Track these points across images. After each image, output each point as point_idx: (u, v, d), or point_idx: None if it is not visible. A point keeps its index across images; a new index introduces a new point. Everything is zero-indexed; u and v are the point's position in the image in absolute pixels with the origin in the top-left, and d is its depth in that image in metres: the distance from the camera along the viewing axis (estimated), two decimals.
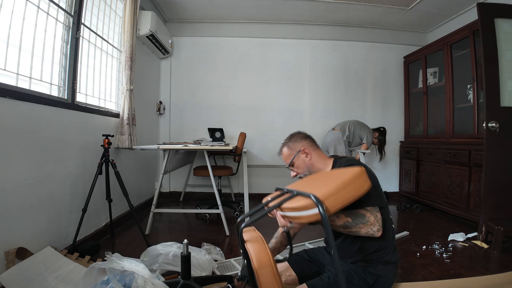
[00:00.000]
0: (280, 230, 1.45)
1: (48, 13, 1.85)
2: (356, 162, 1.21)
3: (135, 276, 1.23)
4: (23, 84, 1.67)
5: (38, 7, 1.77)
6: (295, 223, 0.98)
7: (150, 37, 3.22)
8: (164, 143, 3.29)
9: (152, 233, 2.55)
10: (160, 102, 3.96)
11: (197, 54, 4.06)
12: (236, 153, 3.20)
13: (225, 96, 4.07)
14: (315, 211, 0.84)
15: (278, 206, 0.96)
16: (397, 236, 2.48)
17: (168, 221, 3.02)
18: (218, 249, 2.05)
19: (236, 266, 1.89)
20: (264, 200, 1.05)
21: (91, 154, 2.24)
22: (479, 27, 2.40)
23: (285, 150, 1.43)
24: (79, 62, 2.15)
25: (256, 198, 3.98)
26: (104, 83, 2.62)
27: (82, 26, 2.17)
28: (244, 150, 3.13)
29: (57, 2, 1.91)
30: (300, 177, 1.40)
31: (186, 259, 1.38)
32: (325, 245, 1.51)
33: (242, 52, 4.09)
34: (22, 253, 1.52)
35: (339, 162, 1.30)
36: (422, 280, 1.72)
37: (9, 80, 1.57)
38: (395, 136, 4.12)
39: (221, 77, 4.07)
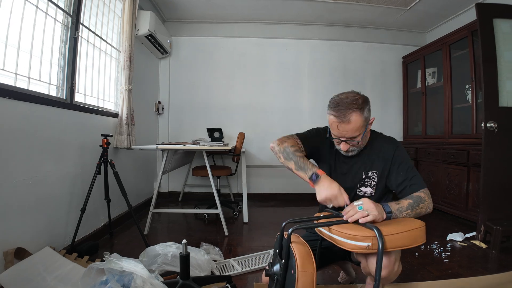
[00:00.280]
0: None
1: (46, 13, 1.84)
2: (395, 140, 1.29)
3: (134, 276, 1.23)
4: (22, 84, 1.67)
5: (37, 6, 1.76)
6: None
7: (149, 37, 3.21)
8: (163, 143, 3.29)
9: (151, 233, 2.55)
10: (159, 102, 3.96)
11: (196, 54, 4.06)
12: (235, 153, 3.20)
13: (224, 96, 4.07)
14: (363, 244, 0.90)
15: (328, 225, 1.02)
16: None
17: (167, 221, 3.01)
18: (217, 249, 2.05)
19: (235, 266, 1.89)
20: (316, 215, 1.12)
21: (90, 154, 2.24)
22: (477, 27, 2.40)
23: (358, 118, 1.11)
24: (77, 62, 2.15)
25: (255, 198, 3.99)
26: (102, 83, 2.61)
27: (80, 26, 2.17)
28: (243, 150, 3.13)
29: (55, 2, 1.91)
30: (351, 151, 1.22)
31: (185, 259, 1.38)
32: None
33: (241, 52, 4.08)
34: (20, 253, 1.52)
35: (379, 137, 1.30)
36: (421, 280, 1.73)
37: (8, 80, 1.57)
38: (393, 136, 4.08)
39: (220, 77, 4.07)
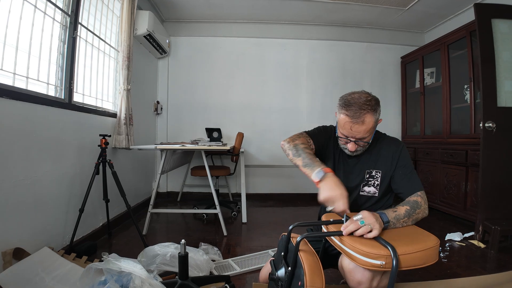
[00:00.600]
0: None
1: (45, 13, 1.84)
2: (400, 142, 1.29)
3: (133, 276, 1.23)
4: (20, 83, 1.66)
5: (35, 6, 1.75)
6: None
7: (148, 37, 3.21)
8: (161, 143, 3.28)
9: (150, 233, 2.55)
10: (158, 102, 3.95)
11: (194, 54, 4.05)
12: (234, 153, 3.20)
13: (223, 96, 4.06)
14: (376, 262, 0.85)
15: (338, 234, 0.95)
16: None
17: (166, 221, 3.01)
18: (216, 249, 2.05)
19: (234, 266, 1.89)
20: (324, 218, 1.06)
21: (88, 154, 2.23)
22: (476, 28, 2.41)
23: (371, 119, 1.12)
24: (76, 61, 2.14)
25: (253, 198, 3.99)
26: (101, 83, 2.61)
27: (79, 25, 2.16)
28: (241, 150, 3.13)
29: (54, 2, 1.90)
30: (356, 151, 1.23)
31: (183, 259, 1.38)
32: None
33: (240, 52, 4.08)
34: (19, 254, 1.51)
35: (382, 138, 1.30)
36: (419, 280, 1.73)
37: (6, 80, 1.56)
38: (392, 136, 4.12)
39: (218, 77, 4.06)
